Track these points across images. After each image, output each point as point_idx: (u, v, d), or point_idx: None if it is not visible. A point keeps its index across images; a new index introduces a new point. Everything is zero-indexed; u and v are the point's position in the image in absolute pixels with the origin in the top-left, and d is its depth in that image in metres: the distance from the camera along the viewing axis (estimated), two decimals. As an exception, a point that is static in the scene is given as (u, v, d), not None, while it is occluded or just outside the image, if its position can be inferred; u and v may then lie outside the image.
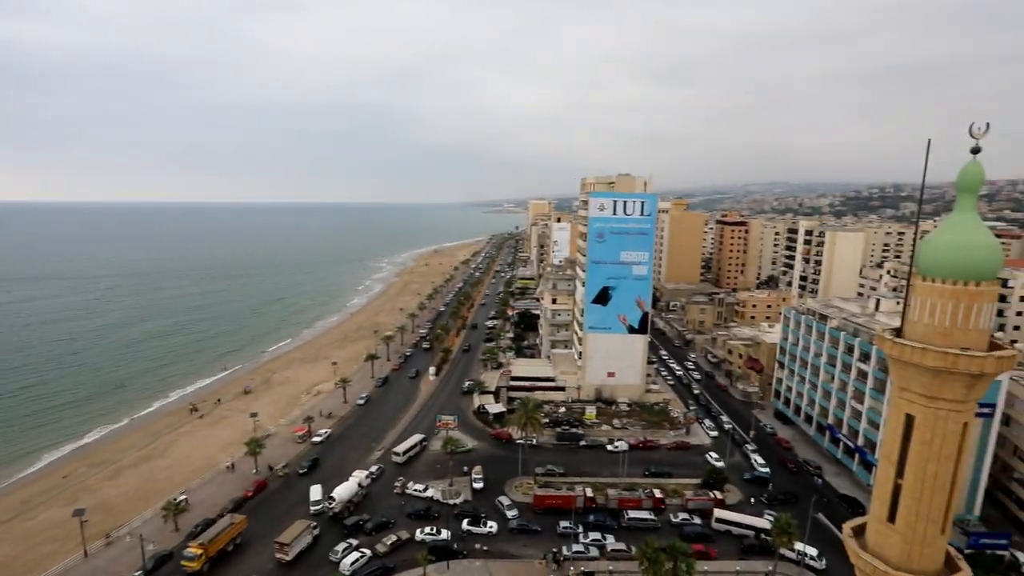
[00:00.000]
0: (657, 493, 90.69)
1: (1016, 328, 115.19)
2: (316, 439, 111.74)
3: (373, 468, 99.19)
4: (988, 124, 22.83)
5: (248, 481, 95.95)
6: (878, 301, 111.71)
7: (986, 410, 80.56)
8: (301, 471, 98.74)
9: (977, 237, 23.06)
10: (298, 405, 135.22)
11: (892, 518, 24.72)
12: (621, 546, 78.33)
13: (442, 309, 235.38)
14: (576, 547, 77.70)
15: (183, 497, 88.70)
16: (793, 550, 75.83)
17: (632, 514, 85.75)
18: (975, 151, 23.15)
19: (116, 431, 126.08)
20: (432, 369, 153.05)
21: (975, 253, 22.87)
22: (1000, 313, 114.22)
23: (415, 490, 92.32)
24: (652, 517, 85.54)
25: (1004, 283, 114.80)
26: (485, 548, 78.98)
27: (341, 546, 77.05)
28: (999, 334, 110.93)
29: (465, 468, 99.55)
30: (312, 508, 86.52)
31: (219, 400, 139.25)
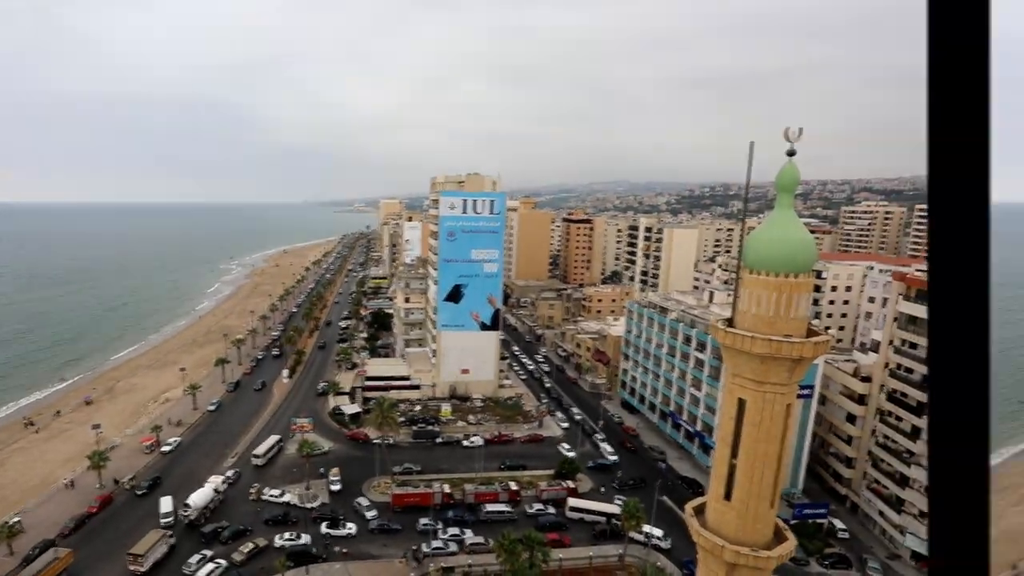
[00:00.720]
0: (513, 486, 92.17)
1: (829, 316, 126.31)
2: (165, 448, 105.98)
3: (229, 473, 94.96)
4: (801, 129, 24.60)
5: (92, 497, 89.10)
6: (712, 293, 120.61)
7: (806, 391, 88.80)
8: (139, 492, 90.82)
9: (795, 233, 24.99)
10: (145, 414, 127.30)
11: (728, 496, 26.33)
12: (479, 539, 78.75)
13: (294, 310, 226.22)
14: (436, 543, 77.37)
15: (16, 519, 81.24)
16: (641, 532, 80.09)
17: (489, 507, 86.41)
18: (791, 153, 24.79)
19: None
20: (285, 371, 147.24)
21: (794, 247, 24.72)
22: (815, 302, 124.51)
23: (271, 495, 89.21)
24: (508, 509, 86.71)
25: (818, 275, 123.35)
26: (345, 550, 77.55)
27: (195, 558, 73.11)
28: (815, 321, 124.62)
29: (322, 470, 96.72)
30: (162, 521, 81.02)
31: (58, 412, 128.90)
